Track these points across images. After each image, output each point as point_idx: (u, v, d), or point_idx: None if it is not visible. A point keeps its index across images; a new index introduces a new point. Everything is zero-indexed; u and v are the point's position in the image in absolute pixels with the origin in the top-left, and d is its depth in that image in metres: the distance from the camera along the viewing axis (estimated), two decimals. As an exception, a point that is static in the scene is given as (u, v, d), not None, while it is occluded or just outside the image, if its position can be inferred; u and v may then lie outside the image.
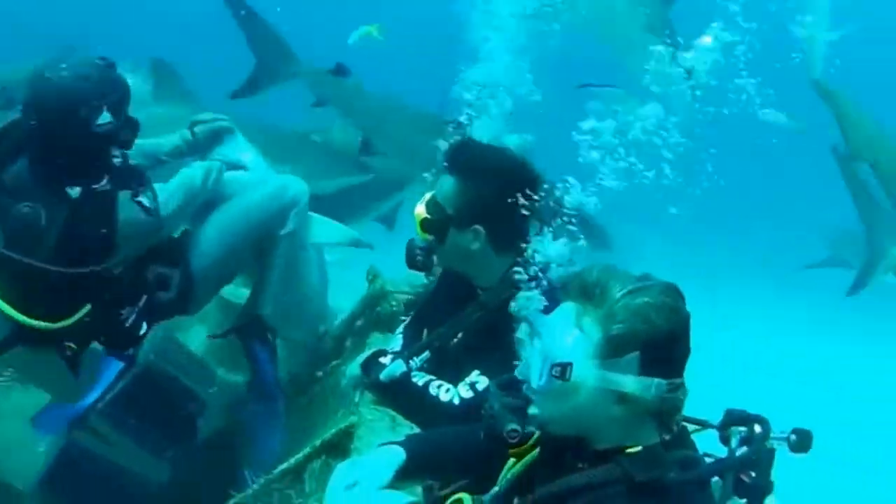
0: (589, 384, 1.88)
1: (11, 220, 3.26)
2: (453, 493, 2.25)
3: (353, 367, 3.20)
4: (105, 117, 3.28)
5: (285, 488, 2.92)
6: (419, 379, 2.95)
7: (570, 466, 1.95)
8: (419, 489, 2.27)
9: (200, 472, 4.09)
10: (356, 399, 3.13)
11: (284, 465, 2.90)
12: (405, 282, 4.12)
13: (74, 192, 3.29)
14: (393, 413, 2.91)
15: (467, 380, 2.85)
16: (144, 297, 3.61)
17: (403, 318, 3.76)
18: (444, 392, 2.87)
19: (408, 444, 2.32)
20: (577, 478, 1.88)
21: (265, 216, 3.95)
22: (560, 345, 1.91)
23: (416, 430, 2.84)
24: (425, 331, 3.19)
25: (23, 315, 3.29)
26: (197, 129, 4.07)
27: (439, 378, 2.92)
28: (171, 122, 4.47)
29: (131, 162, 3.48)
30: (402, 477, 2.25)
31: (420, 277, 3.88)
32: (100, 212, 3.33)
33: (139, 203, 3.41)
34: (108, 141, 3.33)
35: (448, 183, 2.97)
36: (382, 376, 2.98)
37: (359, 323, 4.25)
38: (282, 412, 4.21)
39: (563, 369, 1.87)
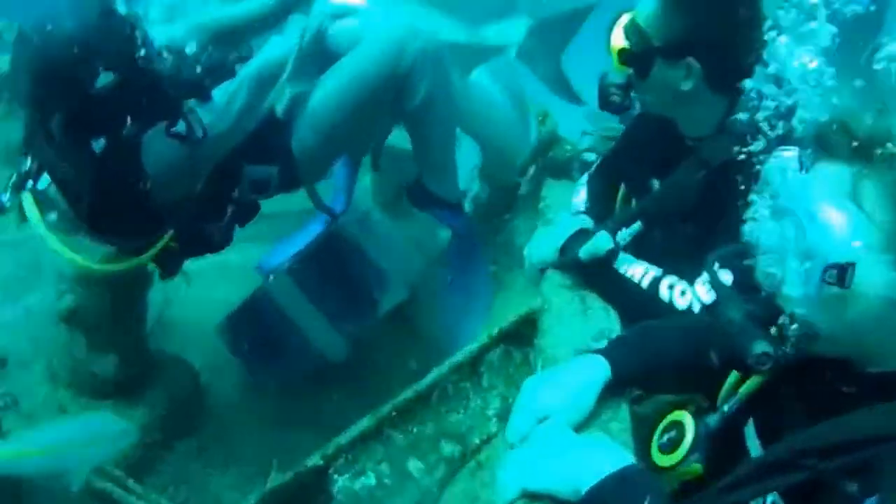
0: (877, 291, 1.32)
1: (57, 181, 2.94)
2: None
3: (533, 247, 2.64)
4: (104, 78, 2.76)
5: (460, 380, 2.55)
6: (631, 266, 2.32)
7: (830, 390, 1.44)
8: (624, 408, 1.80)
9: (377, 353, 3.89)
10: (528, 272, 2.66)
11: (458, 357, 2.51)
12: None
13: (99, 145, 2.84)
14: (583, 293, 2.41)
15: (705, 276, 2.03)
16: (230, 210, 3.24)
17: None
18: (679, 294, 2.20)
19: (612, 353, 1.84)
20: (860, 418, 1.34)
21: (380, 82, 3.25)
22: (834, 236, 1.33)
23: (611, 313, 2.34)
24: (622, 188, 2.62)
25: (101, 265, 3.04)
26: None
27: (645, 258, 2.34)
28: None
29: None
30: (605, 396, 1.78)
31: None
32: (123, 162, 2.91)
33: (177, 135, 2.94)
34: (114, 97, 2.81)
35: (653, 4, 2.29)
36: (582, 254, 2.39)
37: (531, 170, 3.72)
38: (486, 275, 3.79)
39: (840, 272, 1.30)
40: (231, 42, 3.13)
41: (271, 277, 3.86)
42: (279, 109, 3.25)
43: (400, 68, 3.20)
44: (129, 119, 2.83)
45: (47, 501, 2.93)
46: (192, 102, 3.00)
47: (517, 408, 1.77)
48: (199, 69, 2.95)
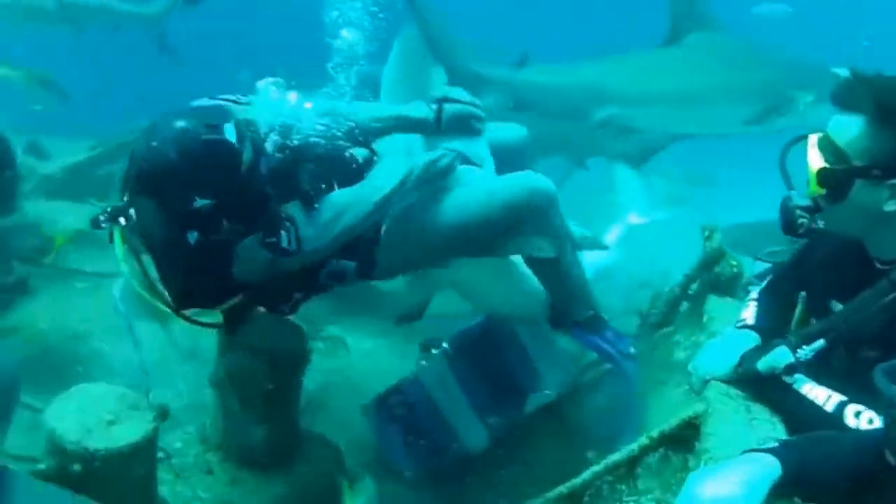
0: None
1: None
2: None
3: (702, 360, 2.64)
4: (201, 201, 2.92)
5: (616, 481, 2.52)
6: (812, 387, 2.28)
7: None
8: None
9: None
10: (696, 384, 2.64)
11: (616, 456, 2.49)
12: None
13: (192, 237, 2.96)
14: (748, 402, 2.39)
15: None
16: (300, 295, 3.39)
17: (752, 283, 3.19)
18: (867, 422, 2.12)
19: (783, 453, 1.80)
20: None
21: (500, 227, 3.41)
22: None
23: (778, 426, 2.29)
24: (799, 306, 2.60)
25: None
26: (447, 106, 3.52)
27: (826, 377, 2.29)
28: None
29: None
30: (772, 497, 1.74)
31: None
32: (213, 257, 3.03)
33: (270, 245, 3.07)
34: (210, 213, 2.96)
35: (856, 125, 2.27)
36: (761, 366, 2.37)
37: (694, 286, 3.71)
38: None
39: None
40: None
41: (424, 362, 3.97)
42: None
43: (523, 220, 3.39)
44: (224, 223, 2.96)
45: None
46: (294, 210, 3.13)
47: (683, 499, 1.75)
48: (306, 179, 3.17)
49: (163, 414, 3.06)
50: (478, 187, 3.48)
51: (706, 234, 3.64)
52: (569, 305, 3.71)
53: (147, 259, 3.10)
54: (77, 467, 2.70)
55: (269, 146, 3.15)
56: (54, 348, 4.52)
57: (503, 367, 3.96)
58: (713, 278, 3.60)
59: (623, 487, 2.52)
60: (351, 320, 4.61)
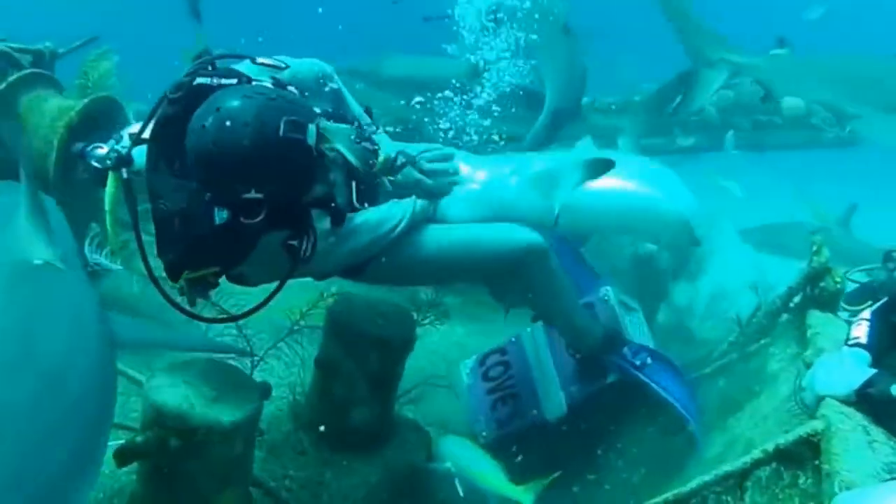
0: None
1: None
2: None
3: (818, 378, 2.61)
4: (255, 194, 2.68)
5: (723, 493, 2.51)
6: None
7: None
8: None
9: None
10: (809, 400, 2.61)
11: (728, 467, 2.48)
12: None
13: (221, 216, 2.73)
14: (865, 423, 2.35)
15: None
16: None
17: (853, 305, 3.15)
18: None
19: None
20: None
21: (498, 266, 3.46)
22: None
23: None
24: None
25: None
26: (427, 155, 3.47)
27: None
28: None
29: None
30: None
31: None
32: (232, 243, 2.82)
33: (290, 247, 2.86)
34: (254, 206, 2.70)
35: None
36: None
37: (796, 299, 3.66)
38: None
39: None
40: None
41: (528, 328, 4.19)
42: None
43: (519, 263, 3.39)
44: (262, 216, 2.71)
45: None
46: (319, 220, 2.95)
47: None
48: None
49: (265, 392, 3.11)
50: (471, 232, 3.43)
51: (814, 248, 3.58)
52: (579, 341, 3.88)
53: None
54: (175, 442, 2.74)
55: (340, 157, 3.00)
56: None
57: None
58: (818, 293, 3.55)
59: (729, 499, 2.50)
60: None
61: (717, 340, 4.36)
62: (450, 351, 4.55)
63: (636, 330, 4.14)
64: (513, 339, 4.32)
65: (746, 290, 4.29)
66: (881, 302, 2.88)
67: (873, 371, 2.44)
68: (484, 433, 4.24)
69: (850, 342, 2.79)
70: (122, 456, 2.70)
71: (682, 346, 4.95)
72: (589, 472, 3.92)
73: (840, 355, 2.68)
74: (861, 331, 2.80)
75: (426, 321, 4.21)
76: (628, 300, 4.30)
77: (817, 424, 2.35)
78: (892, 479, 1.86)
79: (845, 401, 2.46)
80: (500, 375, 4.33)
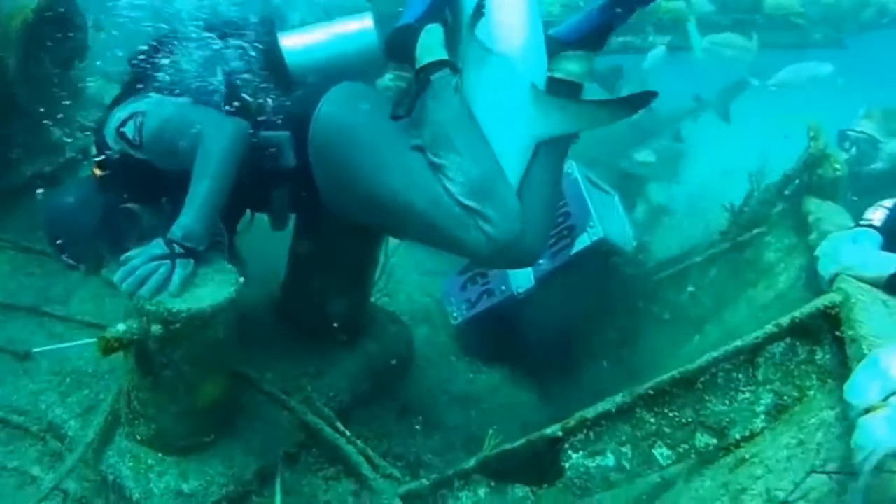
0: None
1: None
2: None
3: (845, 255, 2.52)
4: None
5: (733, 369, 2.43)
6: None
7: None
8: None
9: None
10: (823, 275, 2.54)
11: (739, 343, 2.39)
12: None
13: None
14: (884, 297, 2.29)
15: None
16: None
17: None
18: None
19: None
20: None
21: None
22: None
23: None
24: None
25: None
26: None
27: None
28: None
29: None
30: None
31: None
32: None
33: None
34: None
35: None
36: None
37: (791, 186, 3.58)
38: None
39: None
40: None
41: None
42: None
43: None
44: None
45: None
46: None
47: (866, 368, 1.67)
48: None
49: (244, 275, 2.99)
50: None
51: (811, 133, 3.48)
52: None
53: None
54: (157, 329, 2.64)
55: None
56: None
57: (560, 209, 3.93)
58: (815, 180, 3.46)
59: (740, 377, 2.43)
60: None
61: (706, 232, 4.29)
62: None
63: (607, 211, 4.05)
64: None
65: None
66: None
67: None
68: (455, 314, 4.22)
69: (863, 222, 2.72)
70: (107, 344, 2.58)
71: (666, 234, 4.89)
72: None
73: (854, 234, 2.59)
74: (878, 216, 2.72)
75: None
76: (599, 181, 4.20)
77: (835, 296, 2.26)
78: None
79: (870, 282, 2.37)
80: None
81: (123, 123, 2.84)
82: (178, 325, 2.64)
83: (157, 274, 2.63)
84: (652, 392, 2.52)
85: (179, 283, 2.64)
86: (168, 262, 2.66)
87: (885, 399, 1.59)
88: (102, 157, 2.94)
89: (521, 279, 4.00)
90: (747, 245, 3.69)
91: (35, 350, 3.45)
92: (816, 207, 3.30)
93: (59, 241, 3.02)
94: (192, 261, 2.71)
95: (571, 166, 3.96)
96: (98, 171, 2.97)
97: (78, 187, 3.08)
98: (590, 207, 3.86)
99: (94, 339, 2.59)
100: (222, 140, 2.75)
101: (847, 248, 2.51)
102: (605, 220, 3.89)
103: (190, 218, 2.72)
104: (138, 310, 2.63)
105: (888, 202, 2.76)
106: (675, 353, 3.60)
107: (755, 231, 3.68)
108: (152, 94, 2.91)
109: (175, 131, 2.79)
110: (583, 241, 3.87)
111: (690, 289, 3.83)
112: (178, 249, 2.69)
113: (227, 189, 2.77)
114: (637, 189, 5.59)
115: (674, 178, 6.38)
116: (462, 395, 3.96)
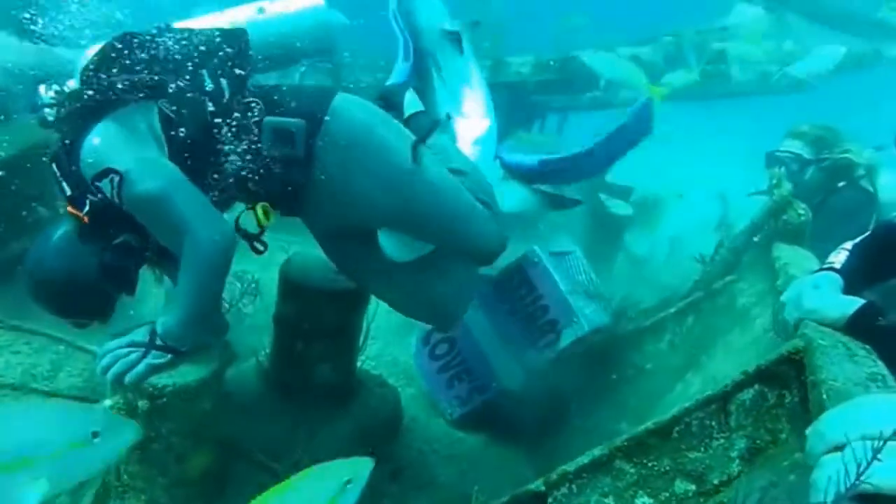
0: None
1: None
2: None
3: (805, 300, 2.60)
4: None
5: (706, 418, 2.50)
6: None
7: None
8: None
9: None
10: (788, 320, 2.62)
11: (710, 392, 2.46)
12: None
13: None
14: (845, 339, 2.37)
15: None
16: None
17: None
18: None
19: None
20: None
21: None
22: None
23: (879, 363, 2.27)
24: None
25: None
26: None
27: None
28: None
29: None
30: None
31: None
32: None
33: None
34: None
35: None
36: None
37: (759, 235, 3.69)
38: None
39: None
40: None
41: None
42: None
43: None
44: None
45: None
46: None
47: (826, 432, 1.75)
48: None
49: (227, 348, 3.06)
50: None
51: (773, 181, 3.61)
52: None
53: None
54: (144, 404, 2.69)
55: None
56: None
57: (537, 303, 4.07)
58: (781, 226, 3.57)
59: (714, 424, 2.49)
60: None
61: (682, 282, 4.39)
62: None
63: (574, 269, 4.18)
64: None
65: (708, 232, 4.30)
66: (864, 236, 2.89)
67: (862, 301, 2.44)
68: (449, 412, 4.21)
69: (825, 265, 2.82)
70: (94, 419, 2.62)
71: (646, 290, 4.98)
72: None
73: (815, 279, 2.69)
74: (839, 258, 2.81)
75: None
76: (561, 246, 4.33)
77: (797, 342, 2.35)
78: (878, 388, 1.86)
79: (831, 324, 2.46)
80: (446, 353, 4.25)
81: (98, 178, 2.72)
82: (164, 400, 2.70)
83: (125, 360, 2.68)
84: (628, 443, 2.58)
85: (137, 375, 2.65)
86: (142, 350, 2.70)
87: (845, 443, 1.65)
88: (86, 202, 2.78)
89: (511, 375, 4.10)
90: (720, 293, 3.79)
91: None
92: (783, 253, 3.40)
93: (63, 307, 2.96)
94: (169, 356, 2.74)
95: (535, 253, 4.09)
96: (79, 214, 2.82)
97: (58, 242, 2.89)
98: (570, 303, 4.02)
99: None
100: (210, 252, 2.70)
101: (808, 292, 2.60)
102: (583, 305, 4.04)
103: (174, 319, 2.75)
104: (122, 386, 2.70)
105: (848, 244, 2.84)
106: (658, 402, 3.66)
107: (727, 279, 3.78)
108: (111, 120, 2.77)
109: (160, 213, 2.73)
110: (568, 337, 4.04)
111: (668, 337, 3.91)
112: (158, 342, 2.74)
113: (217, 293, 2.83)
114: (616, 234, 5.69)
115: (654, 228, 6.51)
116: (452, 452, 4.00)
